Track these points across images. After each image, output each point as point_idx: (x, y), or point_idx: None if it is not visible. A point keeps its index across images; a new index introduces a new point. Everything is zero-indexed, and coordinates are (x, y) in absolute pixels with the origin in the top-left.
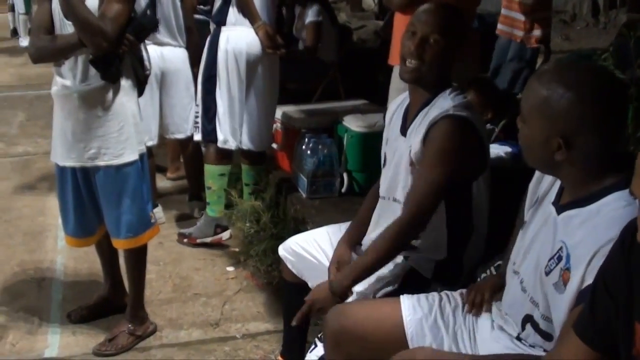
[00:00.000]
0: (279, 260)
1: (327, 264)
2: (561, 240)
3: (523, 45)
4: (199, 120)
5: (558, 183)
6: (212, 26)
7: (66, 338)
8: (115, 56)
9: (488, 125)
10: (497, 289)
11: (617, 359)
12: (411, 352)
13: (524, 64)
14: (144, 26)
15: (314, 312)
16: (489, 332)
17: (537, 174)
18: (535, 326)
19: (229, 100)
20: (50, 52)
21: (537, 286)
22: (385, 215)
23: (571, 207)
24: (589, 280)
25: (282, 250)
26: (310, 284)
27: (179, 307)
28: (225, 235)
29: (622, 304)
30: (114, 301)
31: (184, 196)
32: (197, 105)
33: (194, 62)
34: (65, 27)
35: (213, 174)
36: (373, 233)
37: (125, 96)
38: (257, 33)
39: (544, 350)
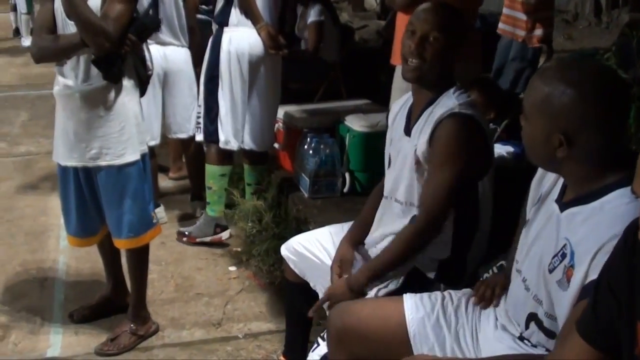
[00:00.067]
0: (281, 260)
1: (329, 263)
2: (565, 237)
3: (525, 45)
4: (201, 120)
5: (561, 181)
6: (214, 27)
7: (68, 338)
8: (118, 56)
9: (491, 125)
10: (506, 286)
11: (619, 359)
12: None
13: (526, 63)
14: (146, 26)
15: (331, 305)
16: (492, 331)
17: (539, 171)
18: (540, 324)
19: (231, 101)
20: (52, 52)
21: (540, 284)
22: (387, 216)
23: (574, 204)
24: (592, 276)
25: (285, 250)
26: (312, 284)
27: (181, 307)
28: (224, 234)
29: (625, 303)
30: (116, 301)
31: (186, 196)
32: (199, 106)
33: (197, 62)
34: (68, 27)
35: (214, 174)
36: (376, 232)
37: (127, 96)
38: (259, 34)
39: (547, 350)
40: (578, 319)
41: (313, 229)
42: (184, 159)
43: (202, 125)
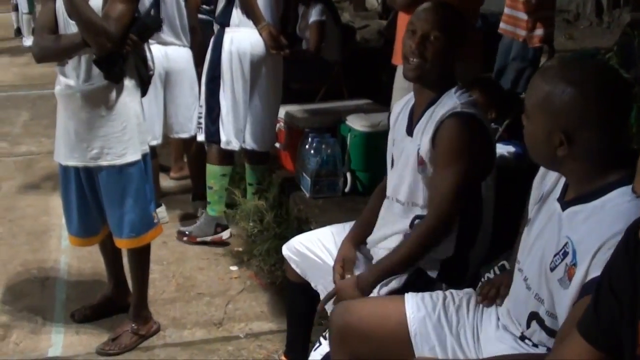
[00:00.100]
0: (282, 260)
1: (331, 263)
2: (566, 236)
3: (525, 45)
4: (202, 121)
5: (563, 179)
6: (215, 27)
7: (70, 337)
8: (119, 56)
9: (492, 125)
10: (510, 286)
11: (620, 359)
12: None
13: (527, 63)
14: (148, 26)
15: (337, 301)
16: (494, 331)
17: (541, 170)
18: (541, 323)
19: (233, 101)
20: (53, 51)
21: (542, 283)
22: (388, 216)
23: (576, 203)
24: (593, 274)
25: (286, 250)
26: (313, 284)
27: (183, 307)
28: (225, 234)
29: (627, 303)
30: (117, 301)
31: (188, 196)
32: (200, 106)
33: (198, 62)
34: (69, 27)
35: (215, 174)
36: (378, 232)
37: (129, 96)
38: (260, 34)
39: (548, 349)
40: (579, 319)
41: (314, 228)
42: (186, 159)
43: (203, 126)
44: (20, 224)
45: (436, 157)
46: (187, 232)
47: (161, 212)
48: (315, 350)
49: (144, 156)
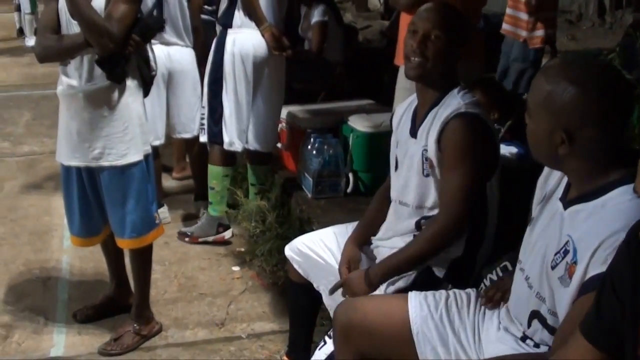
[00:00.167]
0: (284, 260)
1: (334, 264)
2: (567, 234)
3: (526, 45)
4: (205, 121)
5: (566, 179)
6: (218, 28)
7: (72, 337)
8: (121, 56)
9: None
10: None
11: None
12: None
13: (528, 64)
14: (150, 26)
15: (346, 292)
16: (495, 332)
17: (545, 170)
18: (543, 322)
19: (236, 102)
20: (56, 51)
21: (543, 281)
22: (393, 218)
23: (577, 201)
24: (592, 272)
25: (289, 250)
26: (315, 285)
27: (185, 307)
28: (227, 234)
29: (628, 304)
30: (119, 301)
31: (190, 196)
32: (202, 107)
33: (201, 62)
34: (72, 27)
35: (217, 175)
36: (383, 232)
37: (131, 96)
38: (263, 35)
39: (550, 348)
40: (582, 320)
41: (316, 229)
42: (188, 159)
43: (205, 126)
44: (23, 224)
45: (443, 159)
46: (188, 233)
47: (163, 212)
48: (319, 349)
49: (146, 156)
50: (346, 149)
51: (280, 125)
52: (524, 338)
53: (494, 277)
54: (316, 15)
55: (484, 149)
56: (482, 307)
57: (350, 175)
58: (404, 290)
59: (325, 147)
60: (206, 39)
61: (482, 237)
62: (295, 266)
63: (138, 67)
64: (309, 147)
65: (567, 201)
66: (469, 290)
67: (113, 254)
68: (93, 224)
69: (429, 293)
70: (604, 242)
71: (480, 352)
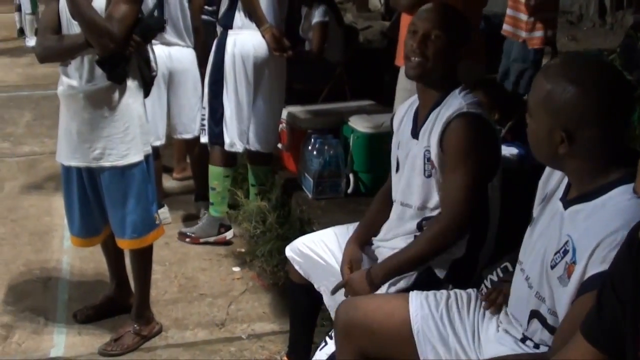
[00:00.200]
0: (284, 261)
1: (334, 264)
2: (567, 234)
3: (526, 46)
4: (205, 122)
5: (566, 179)
6: (218, 29)
7: (72, 338)
8: (122, 57)
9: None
10: None
11: None
12: None
13: (528, 64)
14: (151, 27)
15: (348, 292)
16: (494, 333)
17: (546, 170)
18: (543, 321)
19: (237, 103)
20: (56, 52)
21: (542, 281)
22: (397, 220)
23: (577, 201)
24: (591, 272)
25: (289, 251)
26: (316, 285)
27: (185, 308)
28: (228, 234)
29: (629, 305)
30: (119, 301)
31: (190, 196)
32: (203, 108)
33: (201, 63)
34: (72, 27)
35: (218, 175)
36: (385, 233)
37: (131, 97)
38: (263, 36)
39: (550, 348)
40: (582, 321)
41: (317, 229)
42: (188, 160)
43: (206, 127)
44: (23, 224)
45: (445, 159)
46: (189, 234)
47: (164, 212)
48: (320, 349)
49: (147, 157)
50: (347, 150)
51: (280, 126)
52: (523, 339)
53: (494, 278)
54: (317, 16)
55: (486, 149)
56: (482, 308)
57: (351, 176)
58: (405, 291)
59: (326, 147)
60: (207, 40)
61: (484, 238)
62: (296, 267)
63: (139, 67)
64: (310, 147)
65: (567, 201)
66: (469, 290)
67: (113, 255)
68: (93, 224)
69: (430, 293)
70: (602, 242)
71: (480, 353)
